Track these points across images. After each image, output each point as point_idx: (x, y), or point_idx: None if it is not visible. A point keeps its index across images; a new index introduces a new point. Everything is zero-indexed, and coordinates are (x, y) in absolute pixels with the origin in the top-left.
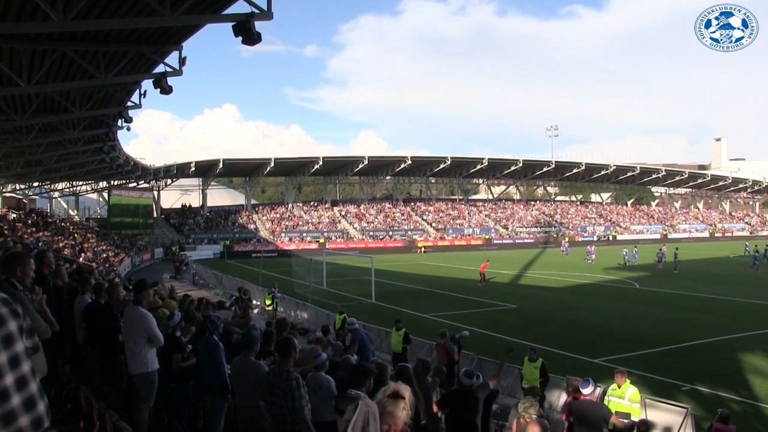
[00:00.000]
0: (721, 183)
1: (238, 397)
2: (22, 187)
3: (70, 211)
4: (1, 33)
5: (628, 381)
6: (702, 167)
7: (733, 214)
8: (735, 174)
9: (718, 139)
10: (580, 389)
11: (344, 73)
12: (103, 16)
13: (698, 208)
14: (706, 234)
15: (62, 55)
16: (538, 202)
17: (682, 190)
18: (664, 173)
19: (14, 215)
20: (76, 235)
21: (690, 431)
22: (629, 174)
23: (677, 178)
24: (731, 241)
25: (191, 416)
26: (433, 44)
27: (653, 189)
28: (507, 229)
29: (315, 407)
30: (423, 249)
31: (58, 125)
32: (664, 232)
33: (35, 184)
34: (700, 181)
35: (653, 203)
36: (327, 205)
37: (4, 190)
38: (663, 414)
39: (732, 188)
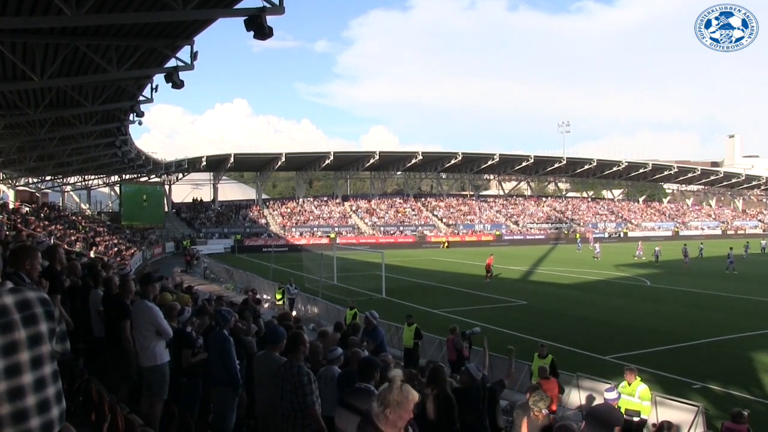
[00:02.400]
0: (734, 180)
1: (259, 391)
2: (35, 180)
3: (82, 205)
4: (15, 28)
5: (639, 378)
6: (715, 164)
7: (746, 211)
8: (748, 171)
9: (732, 136)
10: (605, 395)
11: (355, 68)
12: (115, 11)
13: (710, 206)
14: (719, 231)
15: (75, 49)
16: (549, 198)
17: (694, 187)
18: (676, 170)
19: (27, 209)
20: (80, 226)
21: (701, 430)
22: (641, 171)
23: (689, 175)
24: (744, 239)
25: (202, 410)
26: (444, 39)
27: (665, 186)
28: (518, 224)
29: (324, 401)
30: (447, 244)
31: (71, 119)
32: (676, 229)
33: (48, 177)
34: (712, 178)
35: (665, 200)
36: (338, 200)
37: (17, 183)
38: (674, 412)
39: (745, 185)
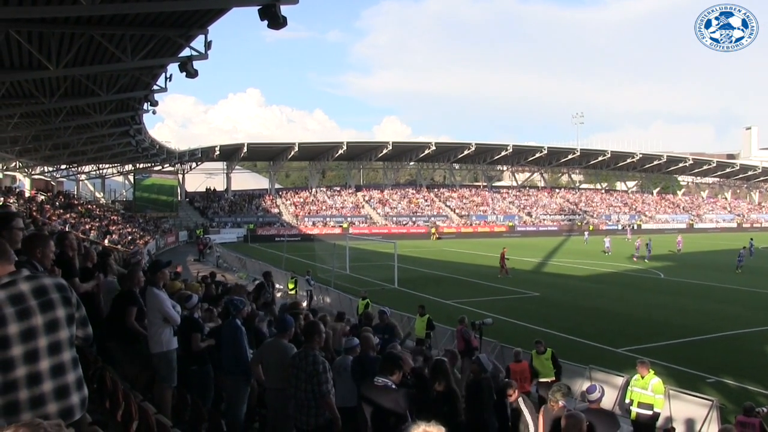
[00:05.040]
0: (750, 173)
1: (266, 379)
2: (51, 169)
3: (97, 194)
4: (31, 17)
5: (652, 372)
6: (731, 156)
7: (762, 204)
8: (765, 163)
9: (749, 128)
10: (588, 396)
11: (367, 59)
12: (130, 0)
13: (726, 198)
14: (734, 224)
15: (90, 38)
16: (562, 189)
17: (709, 180)
18: (691, 162)
19: (43, 197)
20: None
21: (716, 424)
22: (655, 162)
23: (705, 167)
24: (760, 232)
25: (215, 398)
26: (456, 30)
27: (680, 178)
28: (531, 216)
29: (337, 391)
30: (437, 235)
31: (86, 108)
32: (691, 222)
33: (63, 166)
34: (728, 170)
35: (680, 192)
36: (351, 190)
37: (33, 172)
38: (688, 406)
39: (762, 178)
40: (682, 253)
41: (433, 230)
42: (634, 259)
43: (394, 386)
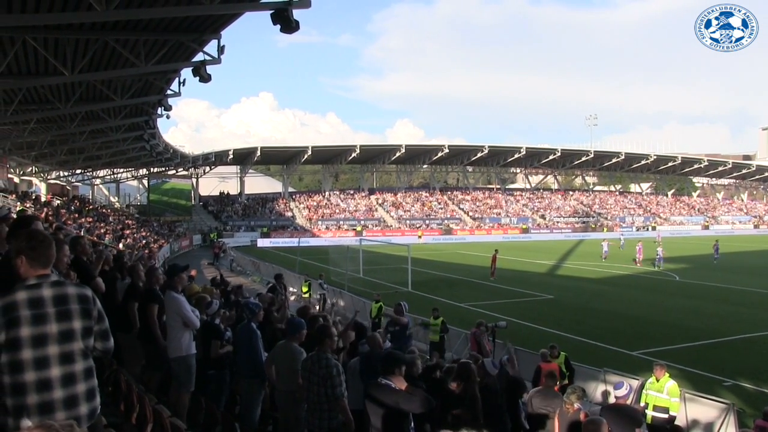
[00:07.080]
0: (767, 174)
1: (277, 382)
2: (66, 174)
3: (111, 198)
4: (46, 24)
5: (667, 374)
6: (746, 157)
7: None
8: None
9: (765, 128)
10: (614, 392)
11: (379, 62)
12: (144, 6)
13: (742, 200)
14: (750, 226)
15: (104, 44)
16: (576, 191)
17: (725, 181)
18: (706, 163)
19: (58, 201)
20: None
21: (733, 428)
22: (670, 164)
23: (720, 169)
24: None
25: (229, 401)
26: (468, 32)
27: (695, 179)
28: (544, 218)
29: (350, 393)
30: (421, 234)
31: (100, 113)
32: (706, 224)
33: (78, 171)
34: (744, 171)
35: (695, 194)
36: (364, 194)
37: (48, 177)
38: (704, 409)
39: None
40: (696, 256)
41: (419, 233)
42: (656, 267)
43: (395, 387)
